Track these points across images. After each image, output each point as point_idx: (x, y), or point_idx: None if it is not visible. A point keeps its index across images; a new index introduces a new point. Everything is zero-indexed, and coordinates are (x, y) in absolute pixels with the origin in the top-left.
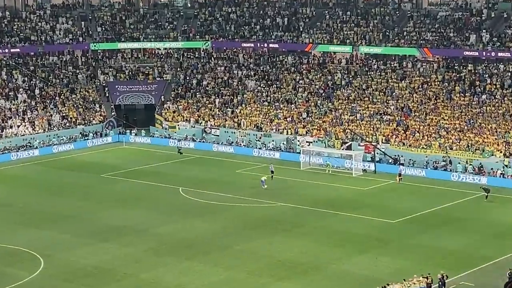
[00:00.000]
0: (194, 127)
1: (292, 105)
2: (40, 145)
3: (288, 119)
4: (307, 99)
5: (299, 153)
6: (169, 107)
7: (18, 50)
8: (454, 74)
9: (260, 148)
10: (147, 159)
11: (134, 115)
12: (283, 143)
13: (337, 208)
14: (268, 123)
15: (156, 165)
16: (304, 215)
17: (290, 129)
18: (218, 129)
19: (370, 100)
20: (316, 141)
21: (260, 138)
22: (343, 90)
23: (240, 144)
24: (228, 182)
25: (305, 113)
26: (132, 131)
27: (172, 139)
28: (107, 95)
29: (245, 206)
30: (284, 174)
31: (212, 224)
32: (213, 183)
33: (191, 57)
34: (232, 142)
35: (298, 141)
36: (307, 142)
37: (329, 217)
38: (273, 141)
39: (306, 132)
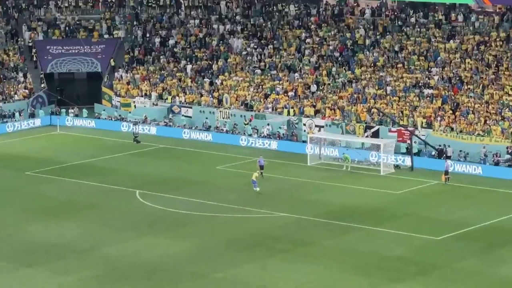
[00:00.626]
0: (156, 105)
1: (296, 74)
2: None
3: (289, 94)
4: (316, 65)
5: (305, 142)
6: (121, 76)
7: None
8: None
9: (250, 135)
10: (90, 150)
11: (73, 88)
12: (282, 128)
13: (358, 220)
14: (261, 100)
15: (103, 159)
16: (312, 229)
17: (292, 108)
18: (191, 107)
19: (405, 67)
20: (330, 125)
21: (250, 121)
22: (368, 53)
23: (222, 130)
24: (204, 183)
25: (314, 85)
26: (70, 111)
27: (126, 122)
28: (34, 59)
29: (228, 217)
30: (284, 171)
31: (183, 242)
32: (183, 185)
33: (153, 5)
34: (210, 127)
35: (304, 125)
36: (316, 126)
37: (348, 233)
38: (268, 125)
39: (316, 113)
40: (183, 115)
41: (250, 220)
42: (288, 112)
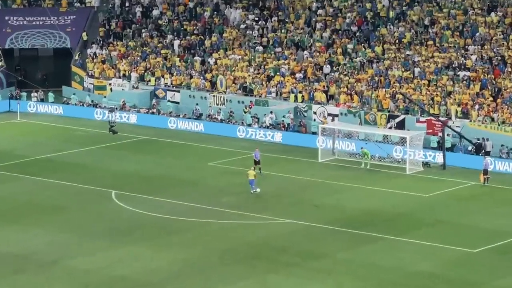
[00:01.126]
0: (137, 88)
1: (305, 52)
2: None
3: (297, 75)
4: (329, 42)
5: (316, 134)
6: (95, 54)
7: None
8: None
9: (249, 125)
10: (57, 142)
11: (36, 67)
12: (288, 117)
13: (379, 228)
14: (263, 83)
15: (72, 153)
16: (323, 239)
17: (300, 93)
18: (179, 91)
19: (437, 45)
20: (345, 114)
21: (250, 108)
22: (392, 27)
23: (216, 118)
24: (194, 183)
25: (327, 65)
26: (33, 95)
27: (100, 108)
28: None
29: (223, 223)
30: (289, 169)
31: (167, 253)
32: (168, 185)
33: None
34: (202, 115)
35: (315, 113)
36: (329, 115)
37: (366, 244)
38: (271, 113)
39: (329, 99)
40: (169, 101)
41: (248, 227)
42: (296, 97)
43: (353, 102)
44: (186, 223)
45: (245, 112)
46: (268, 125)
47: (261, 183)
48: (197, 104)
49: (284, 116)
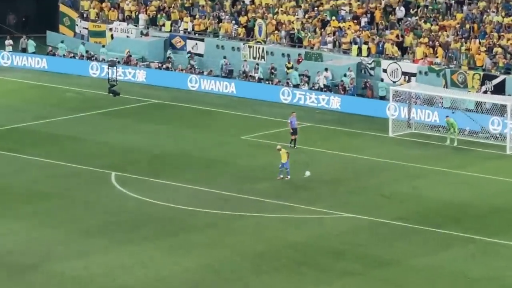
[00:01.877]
0: (146, 34)
1: None
2: None
3: (362, 20)
4: None
5: (385, 99)
6: None
7: None
8: None
9: (296, 86)
10: (40, 107)
11: (13, 7)
12: (349, 76)
13: (469, 226)
14: (316, 30)
15: (60, 121)
16: (392, 240)
17: (366, 44)
18: (203, 40)
19: None
20: (426, 73)
21: (298, 63)
22: None
23: (252, 77)
24: (221, 163)
25: (401, 8)
26: (7, 42)
27: (97, 61)
28: None
29: (258, 217)
30: (349, 146)
31: (184, 257)
32: (187, 165)
33: None
34: (233, 72)
35: (385, 71)
36: (404, 74)
37: (451, 247)
38: (326, 70)
39: (403, 52)
40: (189, 52)
41: (293, 223)
42: (359, 50)
43: (436, 57)
44: (210, 217)
45: (289, 69)
46: (322, 86)
47: (312, 165)
48: (224, 58)
49: (344, 75)
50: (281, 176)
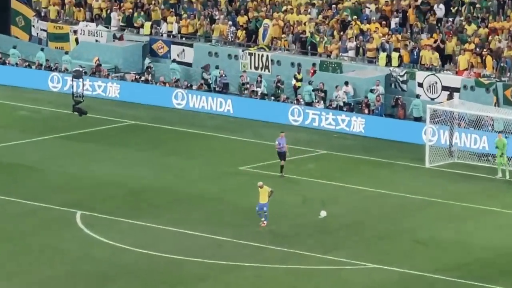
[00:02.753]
0: (120, 38)
1: None
2: None
3: (392, 21)
4: None
5: (421, 120)
6: None
7: None
8: None
9: (309, 104)
10: None
11: None
12: (376, 92)
13: None
14: (334, 34)
15: (12, 146)
16: None
17: (397, 50)
18: (191, 45)
19: None
20: (472, 88)
21: (312, 75)
22: None
23: (254, 92)
24: (214, 200)
25: (440, 6)
26: None
27: (60, 72)
28: None
29: (262, 269)
30: (377, 179)
31: None
32: (172, 203)
33: None
34: (228, 85)
35: (421, 85)
36: (444, 89)
37: None
38: (347, 84)
39: (444, 61)
40: (174, 61)
41: (302, 276)
42: (388, 58)
43: (486, 69)
44: (199, 267)
45: (298, 82)
46: (342, 104)
47: (329, 203)
48: (217, 68)
49: (369, 91)
50: (264, 221)
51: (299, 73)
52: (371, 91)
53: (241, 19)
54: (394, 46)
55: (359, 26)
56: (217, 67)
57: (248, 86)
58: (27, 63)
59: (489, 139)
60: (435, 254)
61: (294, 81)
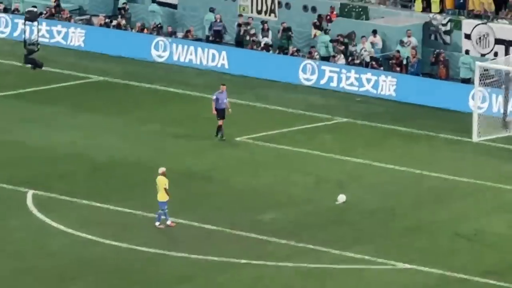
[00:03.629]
0: None
1: None
2: None
3: None
4: None
5: (469, 82)
6: None
7: None
8: None
9: (326, 59)
10: None
11: None
12: (409, 44)
13: None
14: None
15: None
16: None
17: None
18: None
19: None
20: None
21: (329, 21)
22: None
23: (255, 42)
24: (204, 180)
25: None
26: None
27: (8, 13)
28: None
29: (263, 267)
30: (412, 156)
31: None
32: (150, 181)
33: None
34: (225, 33)
35: (468, 37)
36: (498, 42)
37: None
38: (375, 34)
39: (499, 9)
40: (154, 1)
41: (315, 276)
42: (427, 2)
43: None
44: (184, 264)
45: (315, 30)
46: (368, 60)
47: (349, 185)
48: (212, 11)
49: (402, 43)
50: (161, 224)
51: (319, 20)
52: (404, 43)
53: None
54: None
55: None
56: (211, 10)
57: (248, 34)
58: None
59: None
60: (482, 252)
61: (313, 30)
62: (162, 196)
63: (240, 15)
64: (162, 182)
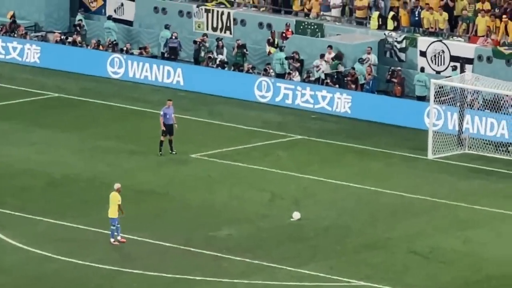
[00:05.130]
0: None
1: None
2: None
3: None
4: None
5: (424, 99)
6: None
7: None
8: None
9: (281, 76)
10: None
11: None
12: (366, 61)
13: None
14: None
15: None
16: None
17: (393, 10)
18: None
19: None
20: (489, 59)
21: (284, 39)
22: None
23: (211, 59)
24: (159, 197)
25: None
26: None
27: None
28: None
29: (220, 284)
30: (367, 174)
31: None
32: (105, 197)
33: None
34: (180, 50)
35: (423, 54)
36: (453, 59)
37: None
38: (330, 50)
39: (453, 27)
40: (109, 18)
41: None
42: (382, 20)
43: (507, 35)
44: (140, 281)
45: (273, 47)
46: (323, 77)
47: (304, 202)
48: (167, 28)
49: (358, 61)
50: (115, 241)
51: (272, 36)
52: (360, 61)
53: None
54: (390, 5)
55: None
56: (167, 27)
57: (204, 51)
58: None
59: (509, 124)
60: (437, 269)
61: (267, 47)
62: (113, 213)
63: (197, 31)
64: (115, 198)
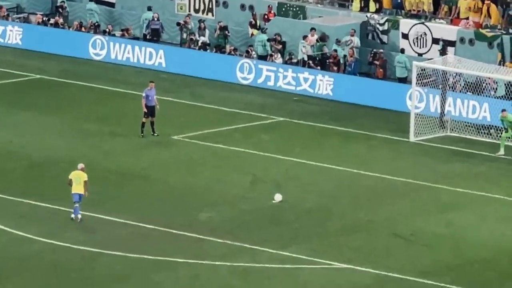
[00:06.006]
0: None
1: None
2: None
3: None
4: None
5: (405, 81)
6: None
7: None
8: None
9: (263, 58)
10: None
11: None
12: (348, 43)
13: None
14: None
15: None
16: None
17: None
18: None
19: None
20: (471, 41)
21: (266, 21)
22: None
23: (193, 41)
24: (140, 179)
25: None
26: None
27: None
28: None
29: (202, 266)
30: (348, 156)
31: None
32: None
33: None
34: (163, 31)
35: (405, 37)
36: (435, 42)
37: None
38: (313, 32)
39: (436, 9)
40: (92, 0)
41: (251, 276)
42: (364, 2)
43: (489, 17)
44: (121, 263)
45: (255, 29)
46: (305, 58)
47: (286, 185)
48: (149, 10)
49: (338, 42)
50: (77, 216)
51: (254, 18)
52: (337, 42)
53: None
54: None
55: None
56: (149, 9)
57: (186, 33)
58: None
59: (491, 106)
60: (419, 252)
61: (250, 29)
62: (79, 188)
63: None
64: (82, 175)
